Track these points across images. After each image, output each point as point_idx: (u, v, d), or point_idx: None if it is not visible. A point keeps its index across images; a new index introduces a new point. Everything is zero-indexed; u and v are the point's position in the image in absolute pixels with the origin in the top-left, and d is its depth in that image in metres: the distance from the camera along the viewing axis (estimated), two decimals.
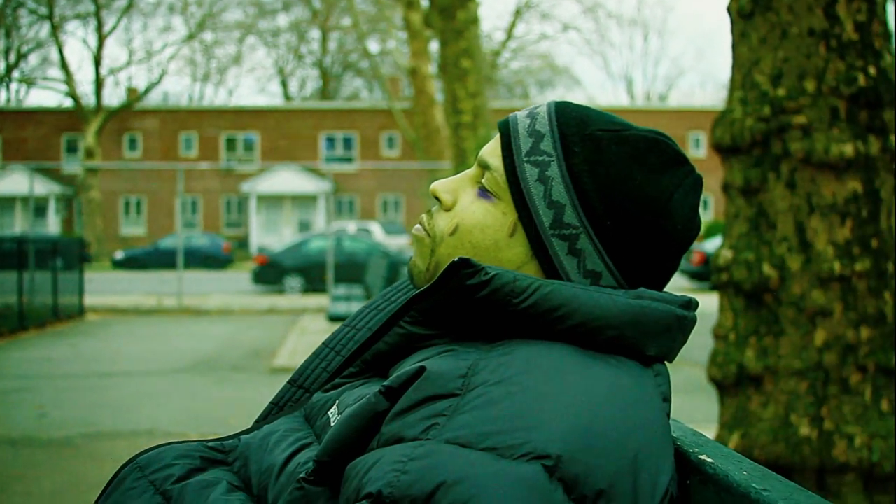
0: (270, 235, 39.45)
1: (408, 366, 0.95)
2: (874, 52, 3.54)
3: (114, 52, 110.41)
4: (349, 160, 41.53)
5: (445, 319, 0.98)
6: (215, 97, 54.35)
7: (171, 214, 39.71)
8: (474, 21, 14.34)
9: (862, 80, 3.49)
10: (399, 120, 26.75)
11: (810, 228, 3.53)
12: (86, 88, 63.28)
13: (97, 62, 40.00)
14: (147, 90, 41.60)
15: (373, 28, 36.29)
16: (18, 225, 38.22)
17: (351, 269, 18.70)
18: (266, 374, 9.40)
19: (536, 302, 0.94)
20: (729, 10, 3.84)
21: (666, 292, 1.03)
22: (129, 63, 42.87)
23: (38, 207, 37.93)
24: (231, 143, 42.23)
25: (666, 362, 1.02)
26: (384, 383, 0.93)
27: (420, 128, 21.41)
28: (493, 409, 0.85)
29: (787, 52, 3.58)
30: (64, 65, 38.76)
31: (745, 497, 0.86)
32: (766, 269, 3.57)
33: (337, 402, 1.02)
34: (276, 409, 1.14)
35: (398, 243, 28.76)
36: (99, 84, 39.37)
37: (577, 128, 1.02)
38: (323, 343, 1.18)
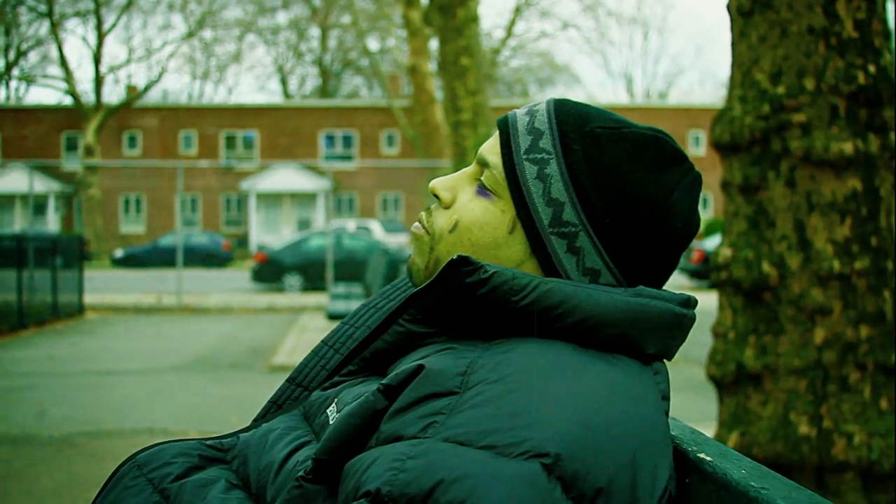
0: (270, 233, 39.46)
1: (407, 364, 0.94)
2: (874, 50, 3.54)
3: (113, 49, 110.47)
4: (349, 158, 41.52)
5: (444, 317, 0.98)
6: (215, 95, 54.29)
7: (171, 212, 39.71)
8: (474, 19, 14.34)
9: (861, 79, 3.49)
10: (399, 118, 26.74)
11: (810, 227, 3.53)
12: (85, 86, 63.13)
13: (97, 60, 40.00)
14: (147, 88, 41.58)
15: (372, 26, 36.26)
16: (18, 223, 38.20)
17: (350, 268, 18.69)
18: (265, 373, 9.41)
19: (535, 300, 0.94)
20: (728, 8, 3.84)
21: (665, 290, 1.03)
22: (128, 61, 42.86)
23: (38, 205, 37.92)
24: (230, 141, 42.22)
25: (665, 360, 1.02)
26: (383, 381, 0.92)
27: (420, 126, 21.42)
28: (491, 407, 0.85)
29: (787, 50, 3.58)
30: (63, 62, 38.77)
31: (744, 495, 0.86)
32: (766, 267, 3.57)
33: (336, 400, 1.02)
34: (274, 407, 1.14)
35: (398, 241, 28.76)
36: (98, 82, 39.37)
37: (577, 125, 1.02)
38: (322, 341, 1.18)
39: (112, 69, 43.08)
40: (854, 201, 3.49)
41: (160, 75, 42.72)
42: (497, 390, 0.86)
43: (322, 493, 0.91)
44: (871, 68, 3.51)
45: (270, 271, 20.76)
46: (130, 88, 42.65)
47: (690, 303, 1.03)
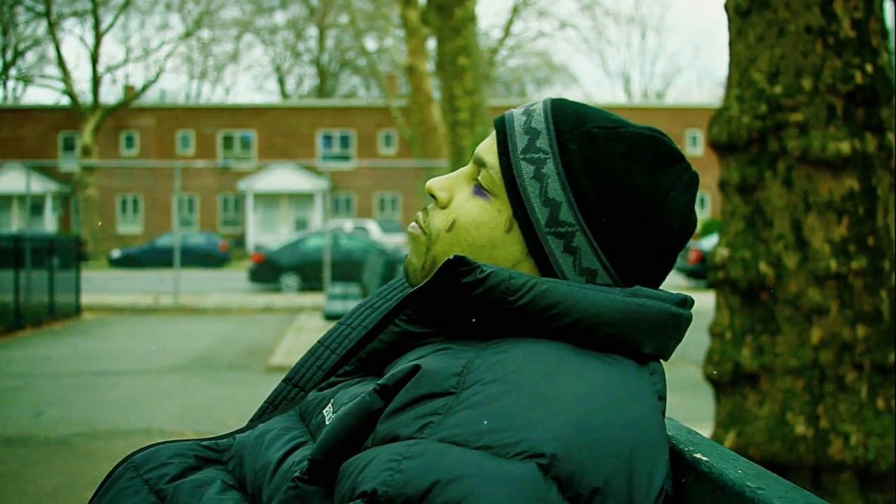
0: (267, 233, 39.44)
1: (403, 364, 0.94)
2: (871, 49, 3.54)
3: (111, 49, 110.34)
4: (346, 158, 41.51)
5: (441, 317, 0.98)
6: (212, 95, 54.30)
7: (168, 213, 39.68)
8: (472, 19, 14.34)
9: (859, 78, 3.49)
10: (396, 118, 26.73)
11: (807, 226, 3.53)
12: (83, 86, 63.19)
13: (94, 60, 39.96)
14: (144, 88, 41.54)
15: (370, 26, 36.25)
16: (15, 223, 38.17)
17: (348, 268, 18.67)
18: (262, 373, 9.40)
19: (532, 300, 0.94)
20: (726, 7, 3.84)
21: (662, 290, 1.03)
22: (126, 61, 42.80)
23: (35, 206, 37.88)
24: (228, 141, 42.20)
25: (661, 360, 1.02)
26: (379, 382, 0.92)
27: (417, 125, 21.41)
28: (487, 407, 0.84)
29: (784, 50, 3.58)
30: (61, 62, 38.71)
31: (740, 496, 0.86)
32: (763, 266, 3.57)
33: (332, 400, 1.02)
34: (270, 407, 1.14)
35: (395, 241, 28.77)
36: (96, 82, 39.34)
37: (573, 125, 1.02)
38: (318, 341, 1.17)
39: (109, 69, 43.02)
40: (851, 201, 3.49)
41: (157, 75, 42.76)
42: (493, 391, 0.86)
43: (318, 494, 0.91)
44: (869, 68, 3.51)
45: (268, 271, 20.75)
46: (128, 88, 42.62)
47: (687, 303, 1.03)
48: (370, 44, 39.96)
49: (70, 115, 39.97)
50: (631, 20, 71.13)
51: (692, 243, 21.20)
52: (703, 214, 37.82)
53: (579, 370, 0.90)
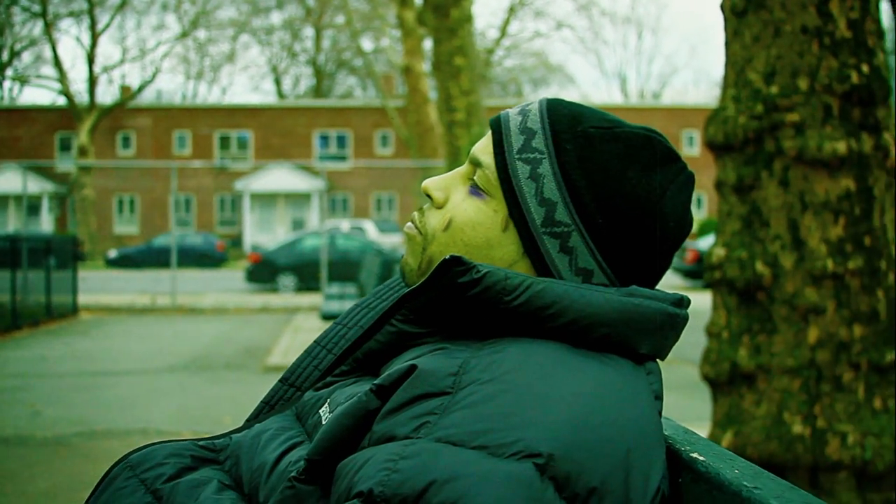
0: (264, 234, 39.42)
1: (399, 364, 0.94)
2: (867, 49, 3.54)
3: (107, 49, 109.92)
4: (343, 158, 41.50)
5: (437, 317, 0.98)
6: (209, 95, 54.22)
7: (165, 213, 39.64)
8: (468, 19, 14.34)
9: (855, 78, 3.49)
10: (393, 118, 26.73)
11: (803, 226, 3.53)
12: (79, 86, 63.12)
13: (90, 60, 39.91)
14: (140, 88, 41.50)
15: (366, 26, 36.26)
16: (12, 223, 38.12)
17: (344, 268, 18.68)
18: (259, 373, 9.40)
19: (528, 300, 0.94)
20: (722, 7, 3.84)
21: (658, 290, 1.03)
22: (122, 61, 42.79)
23: (32, 206, 37.86)
24: (224, 142, 42.17)
25: (658, 360, 1.02)
26: (375, 381, 0.92)
27: (414, 126, 21.39)
28: (484, 407, 0.84)
29: (781, 50, 3.58)
30: (57, 63, 38.67)
31: (737, 495, 0.86)
32: (759, 266, 3.57)
33: (328, 400, 1.02)
34: (267, 407, 1.14)
35: (392, 241, 28.76)
36: (92, 82, 39.30)
37: (569, 125, 1.02)
38: (315, 341, 1.17)
39: (106, 69, 43.00)
40: (847, 201, 3.50)
41: (154, 75, 42.67)
42: (489, 390, 0.86)
43: (315, 494, 0.91)
44: (865, 68, 3.52)
45: (264, 271, 20.74)
46: (124, 89, 42.60)
47: (683, 302, 1.03)
48: (366, 44, 39.99)
49: (66, 116, 39.94)
50: (627, 20, 71.25)
51: (689, 243, 21.21)
52: (699, 214, 37.86)
53: (576, 370, 0.90)
